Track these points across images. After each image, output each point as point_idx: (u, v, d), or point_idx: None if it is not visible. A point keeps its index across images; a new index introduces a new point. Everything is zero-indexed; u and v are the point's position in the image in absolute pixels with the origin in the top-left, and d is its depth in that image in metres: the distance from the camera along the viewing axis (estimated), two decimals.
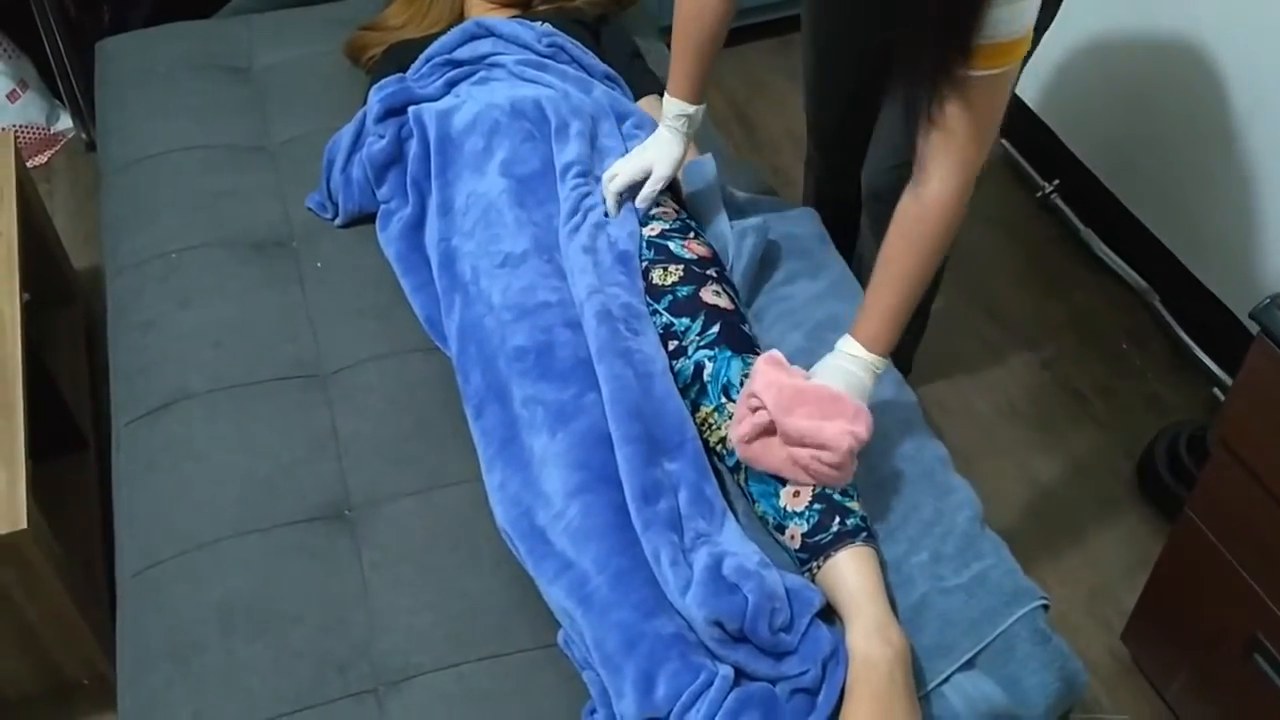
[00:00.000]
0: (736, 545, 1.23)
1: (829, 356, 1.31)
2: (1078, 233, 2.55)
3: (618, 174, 1.56)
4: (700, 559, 1.20)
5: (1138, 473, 2.10)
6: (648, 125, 1.71)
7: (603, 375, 1.34)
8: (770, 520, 1.30)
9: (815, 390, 1.25)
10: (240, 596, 1.27)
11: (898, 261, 1.27)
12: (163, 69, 2.02)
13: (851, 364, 1.28)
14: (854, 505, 1.26)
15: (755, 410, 1.26)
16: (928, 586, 1.24)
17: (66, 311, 2.16)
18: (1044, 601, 1.24)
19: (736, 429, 1.28)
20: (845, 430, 1.22)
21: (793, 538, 1.27)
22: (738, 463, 1.33)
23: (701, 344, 1.41)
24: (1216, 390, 2.21)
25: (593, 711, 1.17)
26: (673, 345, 1.43)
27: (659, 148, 1.56)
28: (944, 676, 1.19)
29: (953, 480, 1.35)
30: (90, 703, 1.71)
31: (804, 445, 1.23)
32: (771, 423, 1.25)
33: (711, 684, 1.12)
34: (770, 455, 1.27)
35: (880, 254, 1.29)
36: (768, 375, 1.27)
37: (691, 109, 1.53)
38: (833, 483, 1.26)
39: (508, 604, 1.27)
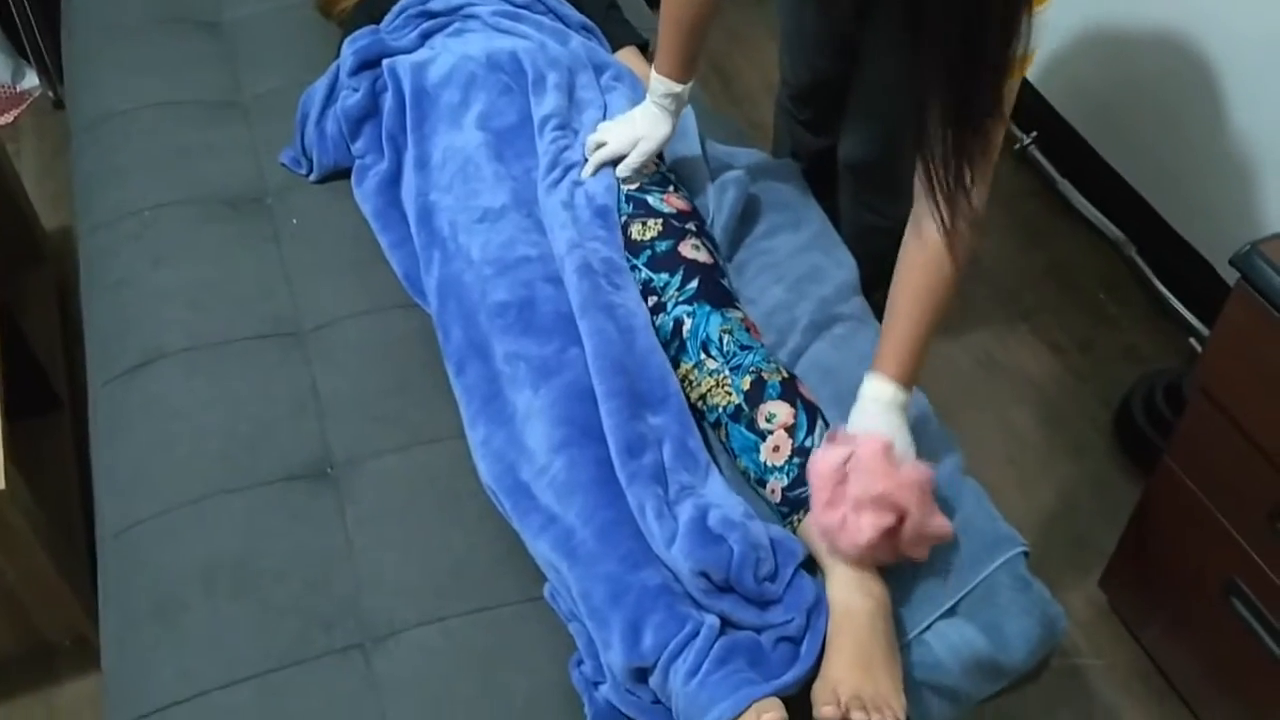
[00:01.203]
0: (721, 497, 1.23)
1: (890, 415, 1.22)
2: (1055, 185, 2.55)
3: (606, 142, 1.53)
4: (685, 511, 1.20)
5: (1115, 422, 2.12)
6: (625, 77, 1.69)
7: (585, 330, 1.33)
8: (751, 475, 1.31)
9: (930, 481, 1.18)
10: (223, 555, 1.26)
11: (919, 308, 1.23)
12: (130, 23, 1.98)
13: (902, 418, 1.23)
14: None
15: (885, 510, 1.14)
16: None
17: (37, 273, 2.13)
18: (1024, 549, 1.25)
19: (855, 535, 1.14)
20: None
21: (773, 492, 1.27)
22: (718, 419, 1.34)
23: (680, 299, 1.40)
24: (1193, 340, 2.22)
25: (579, 663, 1.18)
26: (652, 301, 1.42)
27: (648, 123, 1.52)
28: (926, 624, 1.20)
29: (934, 432, 1.36)
30: (71, 664, 1.70)
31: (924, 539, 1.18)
32: (898, 523, 1.15)
33: (698, 633, 1.12)
34: (888, 551, 1.17)
35: (895, 299, 1.25)
36: (903, 475, 1.15)
37: (679, 88, 1.50)
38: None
39: (493, 558, 1.27)
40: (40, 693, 1.69)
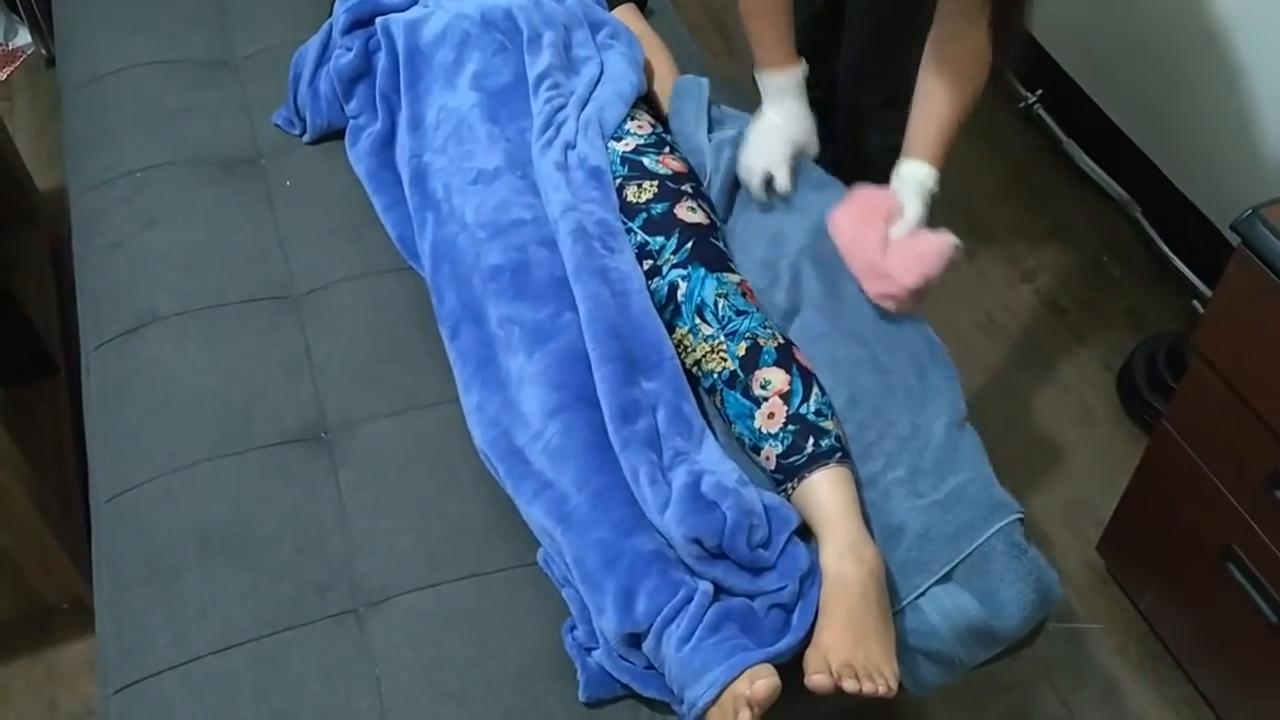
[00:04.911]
0: (715, 463, 1.23)
1: (918, 190, 1.38)
2: (1060, 144, 2.52)
3: (771, 174, 1.46)
4: (679, 477, 1.19)
5: (1117, 385, 2.10)
6: (622, 35, 1.66)
7: (579, 294, 1.32)
8: (746, 441, 1.30)
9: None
10: (217, 520, 1.26)
11: (956, 101, 1.37)
12: None
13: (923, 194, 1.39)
14: (828, 425, 1.25)
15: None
16: (905, 503, 1.24)
17: (31, 233, 2.11)
18: (1019, 515, 1.24)
19: (904, 281, 1.33)
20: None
21: (768, 459, 1.26)
22: (713, 385, 1.33)
23: (675, 262, 1.38)
24: (1196, 302, 2.21)
25: (572, 629, 1.18)
26: (647, 265, 1.40)
27: (796, 126, 1.47)
28: (920, 590, 1.20)
29: (930, 385, 1.32)
30: (69, 627, 1.71)
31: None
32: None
33: (691, 599, 1.12)
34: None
35: (930, 95, 1.38)
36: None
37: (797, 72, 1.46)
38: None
39: (487, 524, 1.27)
40: (39, 655, 1.70)
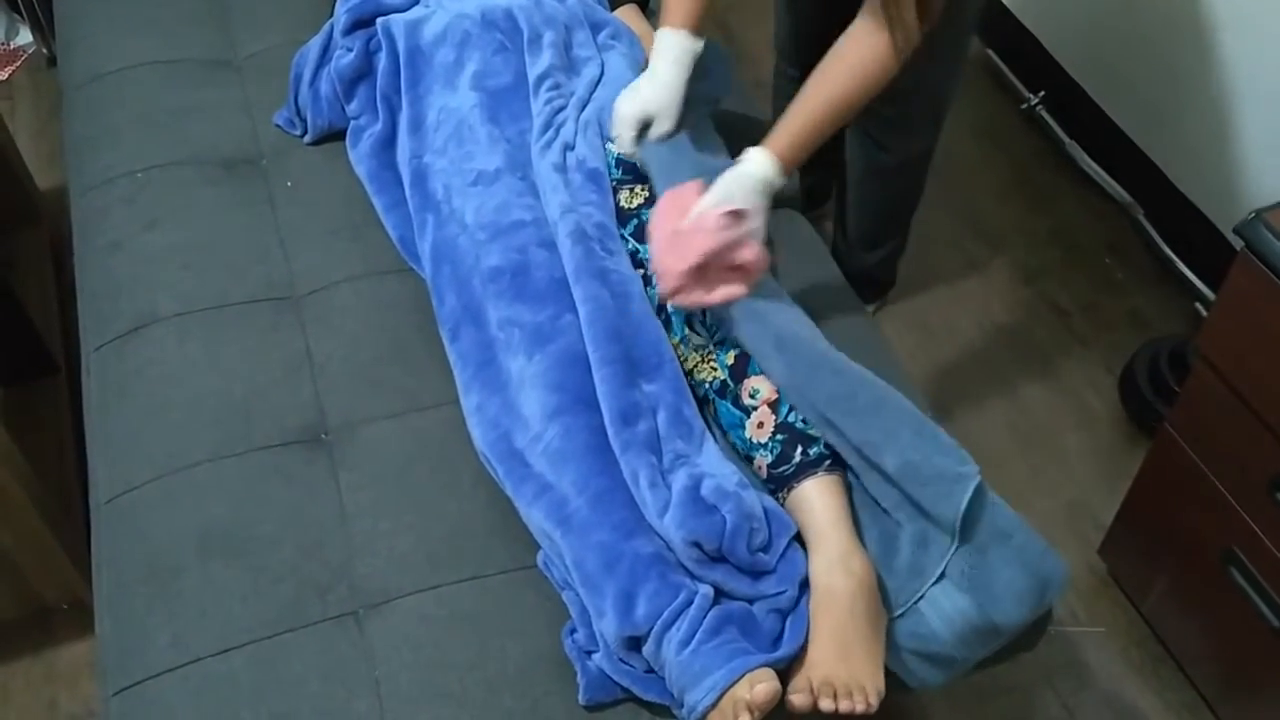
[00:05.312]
0: (715, 466, 1.22)
1: (731, 176, 1.29)
2: (1062, 145, 2.52)
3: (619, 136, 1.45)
4: (679, 480, 1.19)
5: (1119, 388, 2.10)
6: (623, 35, 1.66)
7: (579, 296, 1.32)
8: (739, 450, 1.30)
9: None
10: (218, 521, 1.26)
11: (838, 93, 1.29)
12: None
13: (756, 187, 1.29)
14: (816, 433, 1.24)
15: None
16: (890, 506, 1.21)
17: (32, 232, 2.11)
18: (978, 476, 1.15)
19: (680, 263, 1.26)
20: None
21: (759, 469, 1.26)
22: (706, 394, 1.33)
23: None
24: (1198, 305, 2.20)
25: (572, 631, 1.18)
26: (640, 273, 1.40)
27: (657, 93, 1.41)
28: (918, 595, 1.19)
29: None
30: (69, 628, 1.71)
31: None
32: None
33: (691, 603, 1.12)
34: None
35: (817, 81, 1.30)
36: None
37: (696, 44, 1.41)
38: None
39: (487, 526, 1.27)
40: (39, 655, 1.70)
